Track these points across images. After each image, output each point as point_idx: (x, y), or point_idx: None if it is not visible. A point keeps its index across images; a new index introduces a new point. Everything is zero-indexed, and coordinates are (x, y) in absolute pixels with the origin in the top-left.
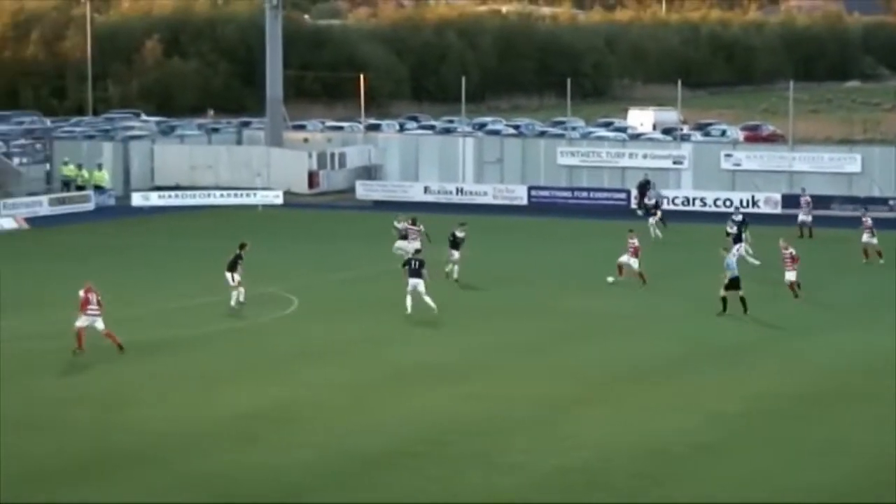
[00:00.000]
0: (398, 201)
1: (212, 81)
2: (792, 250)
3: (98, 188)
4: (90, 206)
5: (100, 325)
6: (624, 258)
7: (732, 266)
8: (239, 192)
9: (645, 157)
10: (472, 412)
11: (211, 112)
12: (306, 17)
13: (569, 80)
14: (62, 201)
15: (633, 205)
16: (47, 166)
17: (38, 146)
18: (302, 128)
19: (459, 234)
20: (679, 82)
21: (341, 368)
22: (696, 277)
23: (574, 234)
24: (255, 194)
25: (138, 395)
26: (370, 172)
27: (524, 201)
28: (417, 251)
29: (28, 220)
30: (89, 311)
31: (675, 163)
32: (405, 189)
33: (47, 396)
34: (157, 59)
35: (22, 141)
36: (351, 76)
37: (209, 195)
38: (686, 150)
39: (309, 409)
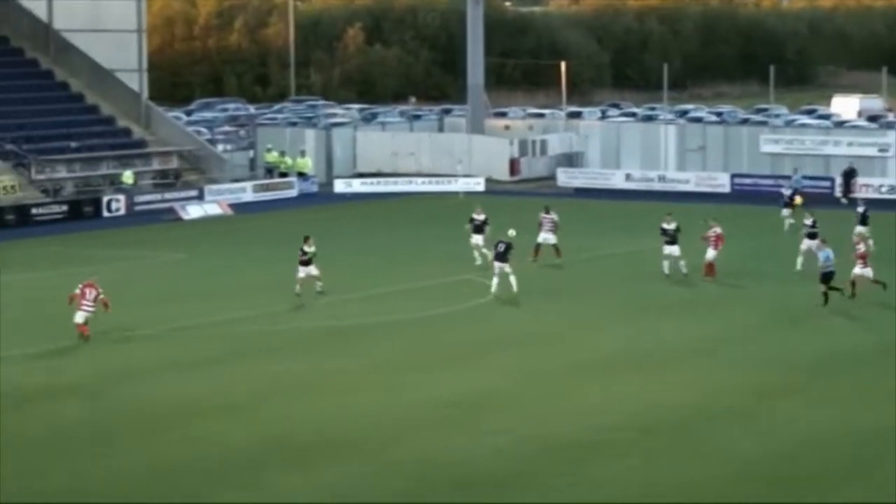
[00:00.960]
0: (599, 188)
1: (413, 69)
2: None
3: (301, 175)
4: (293, 192)
5: (79, 317)
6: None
7: (829, 259)
8: (440, 179)
9: (849, 144)
10: (676, 401)
11: (413, 99)
12: (507, 3)
13: (772, 67)
14: (266, 188)
15: (838, 193)
16: (251, 153)
17: (242, 133)
18: (503, 115)
19: (667, 225)
20: (884, 69)
21: (539, 355)
22: None
23: (776, 223)
24: (456, 181)
25: (331, 383)
26: (571, 160)
27: (727, 189)
28: (553, 237)
29: (232, 206)
30: (84, 306)
31: (880, 151)
32: (606, 177)
33: (255, 380)
34: (358, 46)
35: (226, 128)
36: (552, 63)
37: (410, 182)
38: (891, 137)
39: (506, 396)
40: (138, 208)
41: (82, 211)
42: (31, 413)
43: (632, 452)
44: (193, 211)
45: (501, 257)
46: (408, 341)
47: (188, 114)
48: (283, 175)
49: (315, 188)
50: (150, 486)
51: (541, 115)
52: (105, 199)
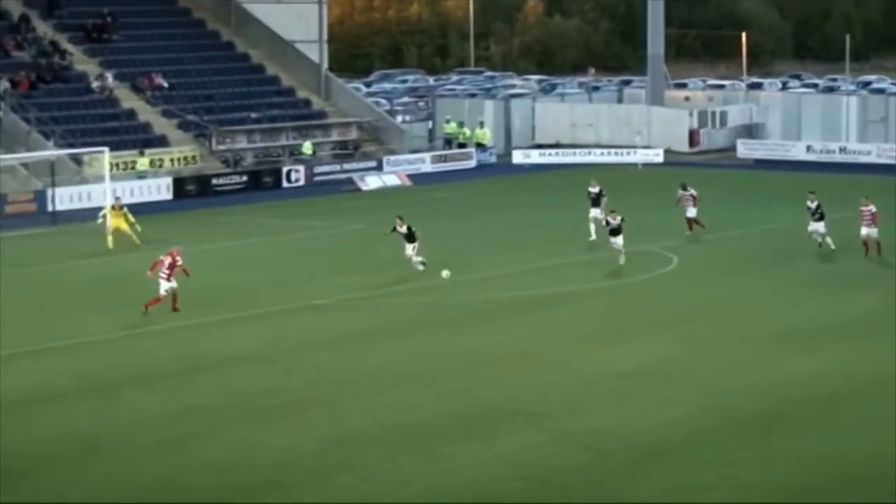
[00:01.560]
0: (779, 160)
1: (592, 39)
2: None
3: (479, 146)
4: (471, 163)
5: (169, 285)
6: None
7: None
8: (619, 151)
9: None
10: (858, 374)
11: (592, 70)
12: None
13: None
14: (444, 159)
15: None
16: (430, 124)
17: (421, 104)
18: (683, 86)
19: (811, 203)
20: None
21: (718, 327)
22: None
23: None
24: (635, 152)
25: (513, 353)
26: (751, 131)
27: None
28: (694, 211)
29: (411, 176)
30: (161, 274)
31: None
32: (787, 148)
33: (435, 351)
34: (538, 17)
35: (405, 99)
36: (732, 34)
37: (589, 153)
38: None
39: (686, 367)
40: (317, 179)
41: (262, 181)
42: (209, 380)
43: (816, 426)
44: (372, 182)
45: (614, 233)
46: (587, 312)
47: (368, 85)
48: (462, 146)
49: (493, 159)
50: (330, 455)
51: (721, 87)
52: (285, 169)
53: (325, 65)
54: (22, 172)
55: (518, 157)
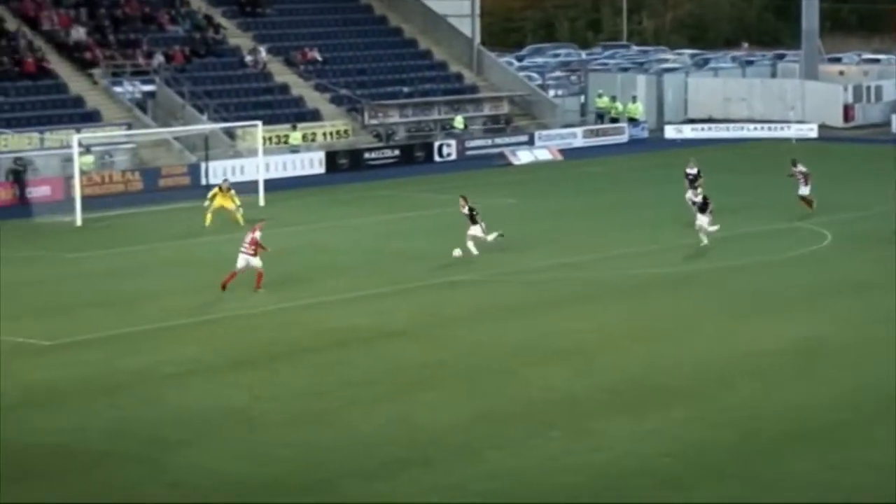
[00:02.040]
0: None
1: (746, 14)
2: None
3: (632, 120)
4: (623, 138)
5: (255, 262)
6: None
7: None
8: (772, 126)
9: None
10: None
11: (745, 45)
12: None
13: None
14: (596, 133)
15: None
16: (582, 98)
17: (574, 78)
18: (837, 60)
19: None
20: None
21: (872, 305)
22: None
23: None
24: (788, 127)
25: (664, 329)
26: None
27: None
28: (806, 189)
29: (562, 151)
30: (242, 249)
31: None
32: None
33: (585, 326)
34: None
35: (557, 73)
36: (888, 7)
37: (742, 128)
38: None
39: (837, 346)
40: (469, 153)
41: (414, 155)
42: (360, 354)
43: None
44: (523, 156)
45: (701, 209)
46: (737, 288)
47: (520, 59)
48: (614, 121)
49: (645, 134)
50: (478, 429)
51: (876, 61)
52: (437, 143)
53: (478, 39)
54: (176, 146)
55: (670, 131)
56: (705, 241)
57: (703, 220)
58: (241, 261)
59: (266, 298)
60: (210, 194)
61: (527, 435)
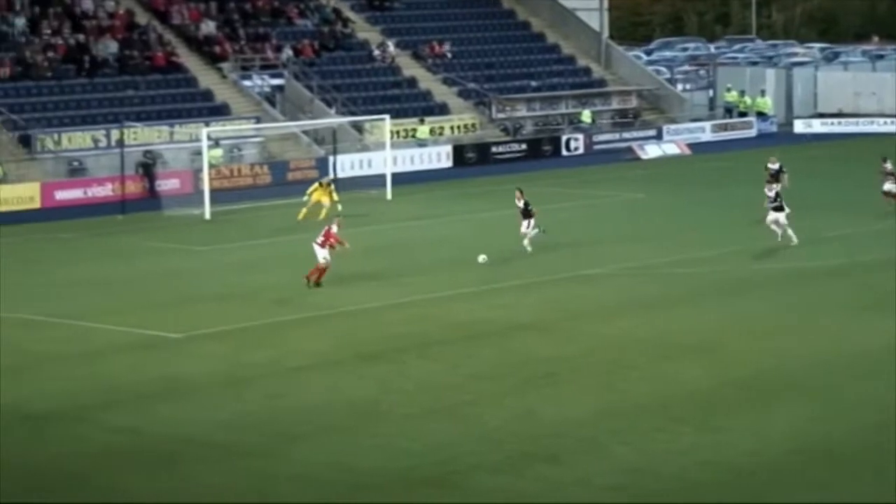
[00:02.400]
0: None
1: (877, 7)
2: None
3: (760, 115)
4: (752, 132)
5: (322, 253)
6: None
7: None
8: None
9: None
10: None
11: (875, 38)
12: None
13: None
14: (724, 127)
15: None
16: (710, 93)
17: (702, 73)
18: None
19: None
20: None
21: None
22: None
23: None
24: None
25: (791, 324)
26: None
27: None
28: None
29: (690, 145)
30: (318, 240)
31: None
32: None
33: (717, 321)
34: None
35: (686, 67)
36: None
37: (872, 122)
38: None
39: None
40: (597, 147)
41: (541, 150)
42: (489, 347)
43: None
44: (651, 150)
45: (777, 208)
46: (871, 283)
47: (648, 53)
48: (743, 115)
49: (774, 128)
50: (605, 424)
51: None
52: (564, 138)
53: (606, 33)
54: (304, 140)
55: (799, 126)
56: (780, 237)
57: (778, 218)
58: (319, 255)
59: (393, 292)
60: (310, 189)
61: (654, 430)
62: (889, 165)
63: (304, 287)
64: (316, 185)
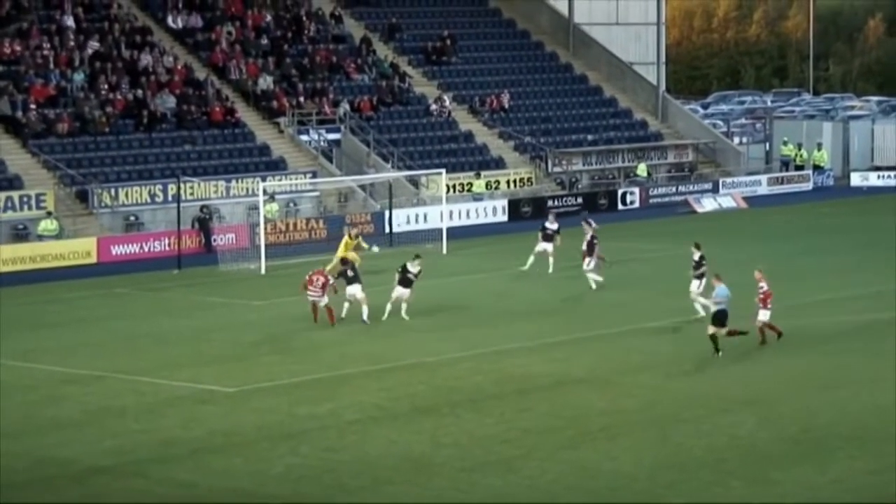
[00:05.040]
0: None
1: None
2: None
3: (817, 168)
4: (808, 185)
5: (323, 301)
6: None
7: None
8: None
9: None
10: None
11: None
12: None
13: None
14: (780, 181)
15: None
16: (767, 146)
17: (759, 126)
18: None
19: None
20: None
21: None
22: None
23: None
24: None
25: (849, 378)
26: None
27: None
28: None
29: (746, 199)
30: (310, 292)
31: None
32: None
33: (773, 375)
34: (879, 37)
35: (742, 120)
36: None
37: None
38: None
39: None
40: (653, 201)
41: (597, 203)
42: (543, 401)
43: None
44: (707, 203)
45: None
46: None
47: (705, 107)
48: (799, 168)
49: (831, 181)
50: (659, 478)
51: None
52: (620, 191)
53: (663, 86)
54: (360, 194)
55: (856, 179)
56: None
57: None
58: (311, 297)
59: (448, 346)
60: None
61: (708, 483)
62: None
63: (360, 340)
64: (345, 238)
